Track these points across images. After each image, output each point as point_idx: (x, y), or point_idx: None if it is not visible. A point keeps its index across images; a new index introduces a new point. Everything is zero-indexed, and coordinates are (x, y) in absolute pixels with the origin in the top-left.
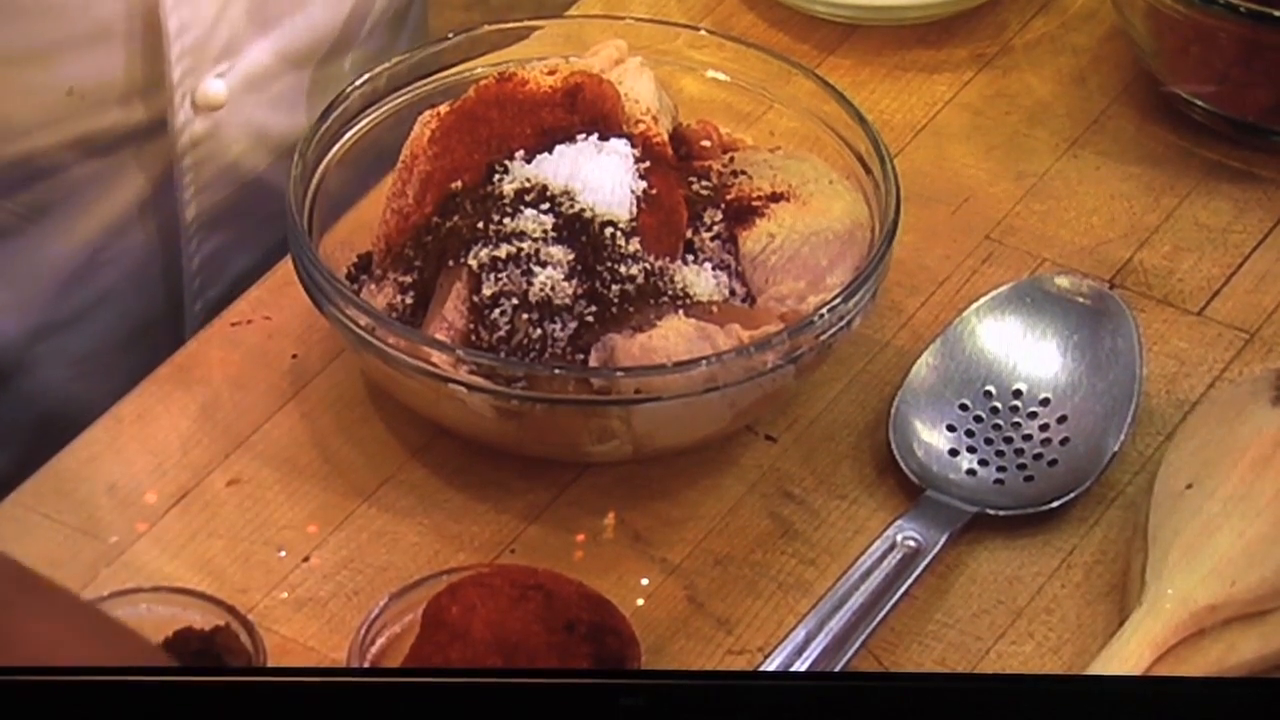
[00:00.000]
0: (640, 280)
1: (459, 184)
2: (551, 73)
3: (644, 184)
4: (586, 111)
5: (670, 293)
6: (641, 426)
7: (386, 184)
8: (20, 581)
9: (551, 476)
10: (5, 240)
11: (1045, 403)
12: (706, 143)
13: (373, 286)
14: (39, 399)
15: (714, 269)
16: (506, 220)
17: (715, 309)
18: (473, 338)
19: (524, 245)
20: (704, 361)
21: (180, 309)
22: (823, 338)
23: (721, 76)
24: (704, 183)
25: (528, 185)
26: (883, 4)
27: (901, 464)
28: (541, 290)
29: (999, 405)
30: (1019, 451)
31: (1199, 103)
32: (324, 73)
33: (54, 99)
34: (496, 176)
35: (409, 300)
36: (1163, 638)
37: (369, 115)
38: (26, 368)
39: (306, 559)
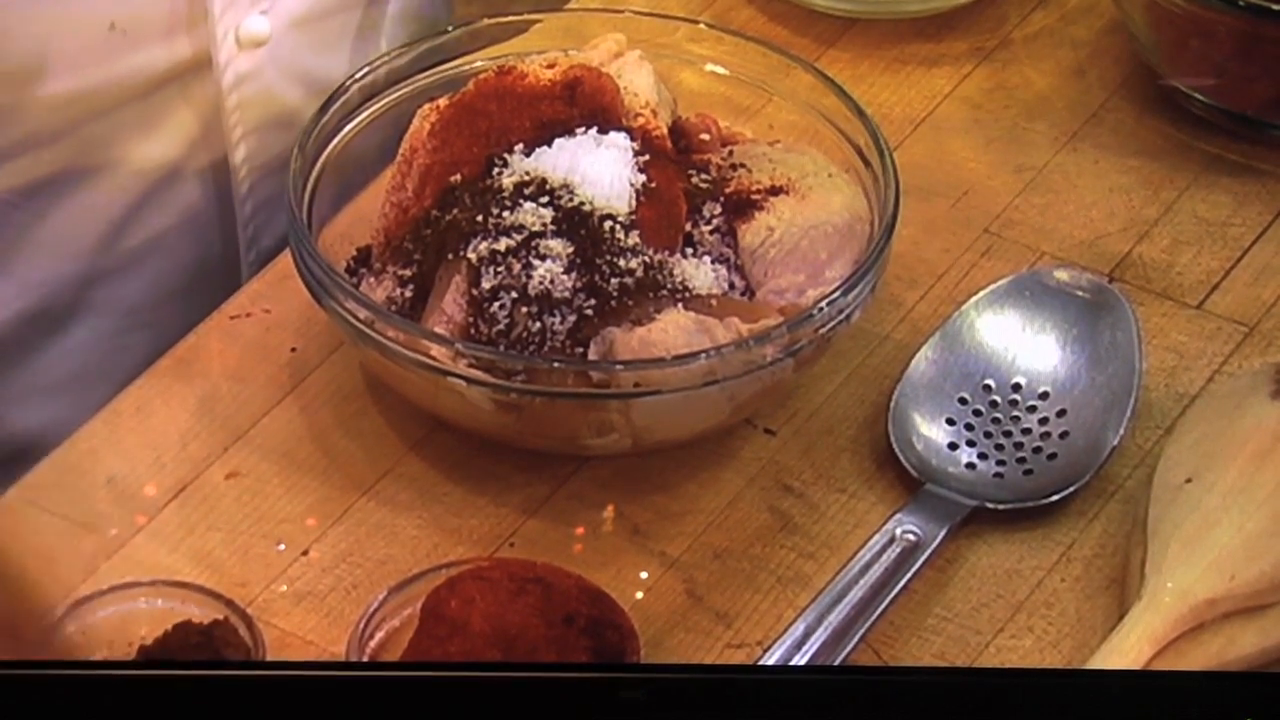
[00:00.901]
0: (639, 273)
1: (458, 177)
2: (551, 66)
3: (643, 177)
4: (586, 105)
5: (669, 286)
6: (640, 420)
7: (386, 177)
8: None
9: (550, 470)
10: (54, 184)
11: (1044, 396)
12: (706, 136)
13: (372, 280)
14: (91, 348)
15: (713, 262)
16: (506, 213)
17: (714, 302)
18: (472, 331)
19: (523, 238)
20: (703, 355)
21: (235, 258)
22: (822, 331)
23: (721, 70)
24: (703, 176)
25: (527, 179)
26: None
27: (901, 457)
28: (541, 283)
29: (998, 399)
30: (1018, 445)
31: (1198, 96)
32: (369, 16)
33: (96, 34)
34: (496, 170)
35: (408, 293)
36: (1162, 632)
37: (368, 108)
38: (78, 316)
39: (305, 552)
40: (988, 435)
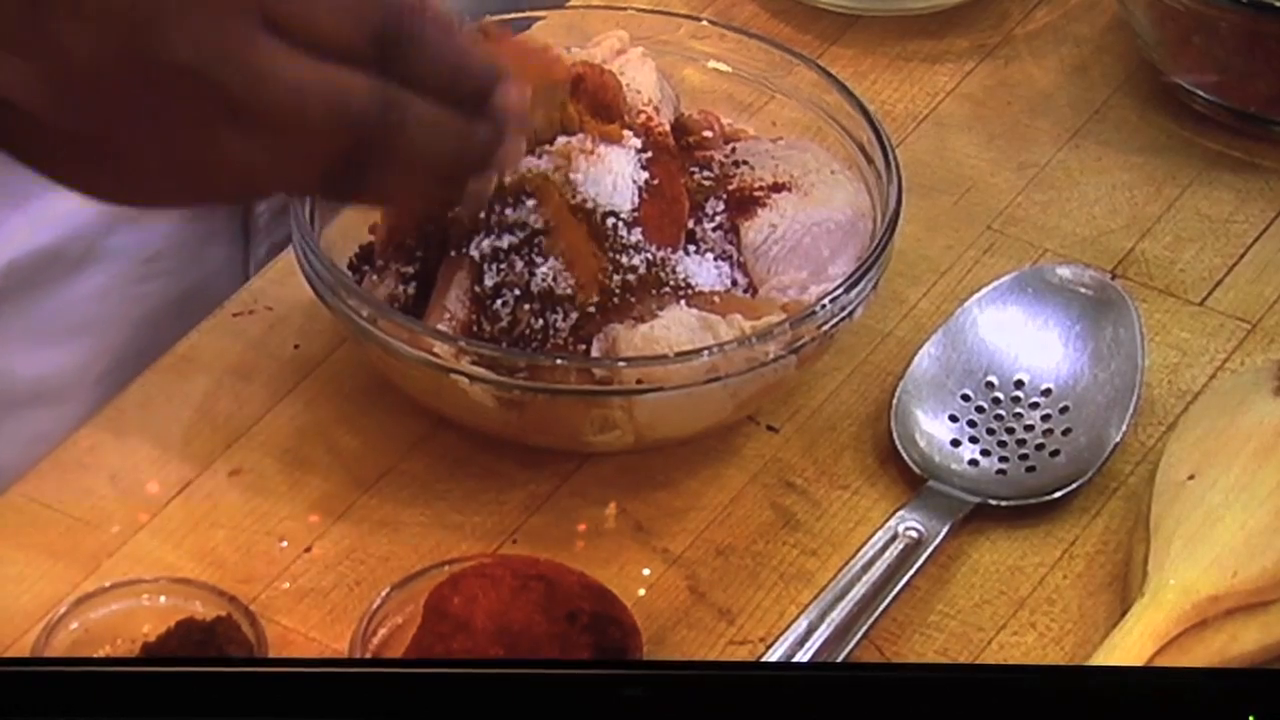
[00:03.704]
0: (642, 270)
1: None
2: None
3: (646, 174)
4: (588, 102)
5: (672, 283)
6: (643, 417)
7: None
8: None
9: (553, 467)
10: None
11: (1047, 393)
12: (708, 133)
13: (374, 277)
14: (107, 294)
15: (716, 259)
16: (508, 210)
17: (717, 299)
18: (474, 328)
19: (526, 235)
20: (706, 352)
21: (252, 210)
22: (825, 328)
23: (723, 67)
24: (706, 173)
25: (529, 175)
26: None
27: (903, 454)
28: (543, 281)
29: (1001, 396)
30: (1021, 442)
31: (1201, 93)
32: None
33: None
34: None
35: (411, 291)
36: (1165, 628)
37: None
38: (95, 260)
39: (308, 549)
40: (990, 432)
